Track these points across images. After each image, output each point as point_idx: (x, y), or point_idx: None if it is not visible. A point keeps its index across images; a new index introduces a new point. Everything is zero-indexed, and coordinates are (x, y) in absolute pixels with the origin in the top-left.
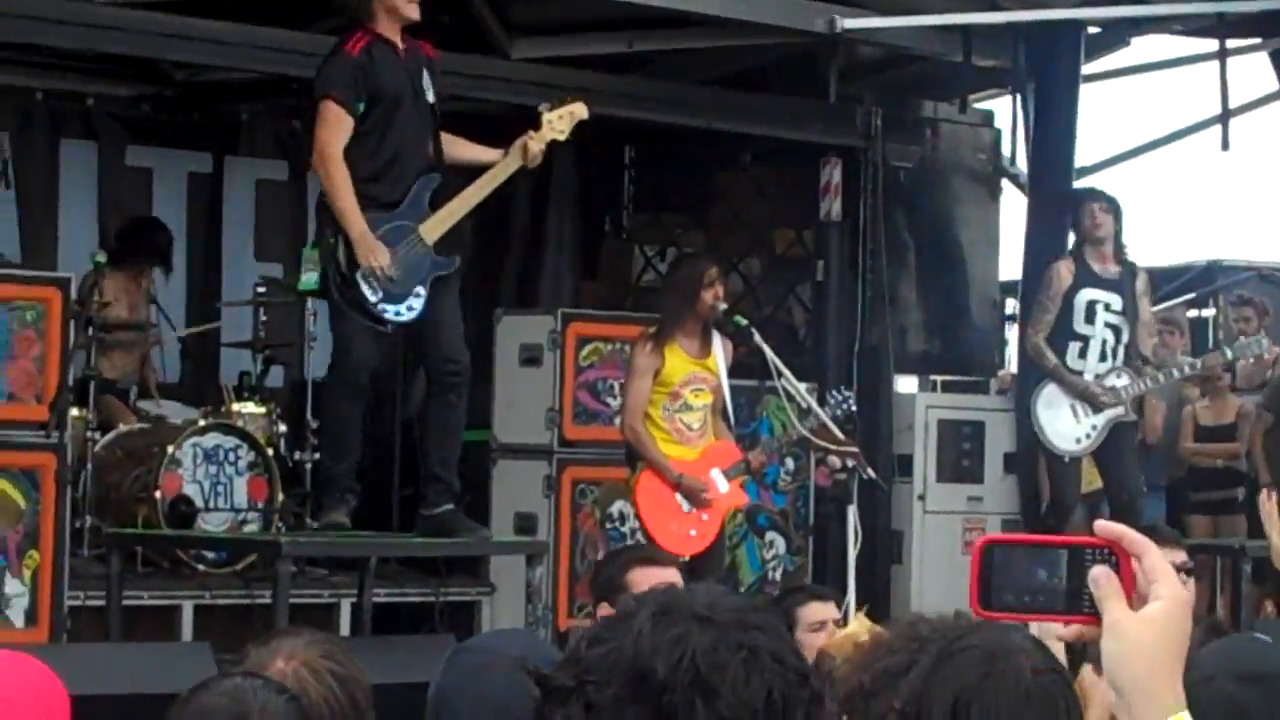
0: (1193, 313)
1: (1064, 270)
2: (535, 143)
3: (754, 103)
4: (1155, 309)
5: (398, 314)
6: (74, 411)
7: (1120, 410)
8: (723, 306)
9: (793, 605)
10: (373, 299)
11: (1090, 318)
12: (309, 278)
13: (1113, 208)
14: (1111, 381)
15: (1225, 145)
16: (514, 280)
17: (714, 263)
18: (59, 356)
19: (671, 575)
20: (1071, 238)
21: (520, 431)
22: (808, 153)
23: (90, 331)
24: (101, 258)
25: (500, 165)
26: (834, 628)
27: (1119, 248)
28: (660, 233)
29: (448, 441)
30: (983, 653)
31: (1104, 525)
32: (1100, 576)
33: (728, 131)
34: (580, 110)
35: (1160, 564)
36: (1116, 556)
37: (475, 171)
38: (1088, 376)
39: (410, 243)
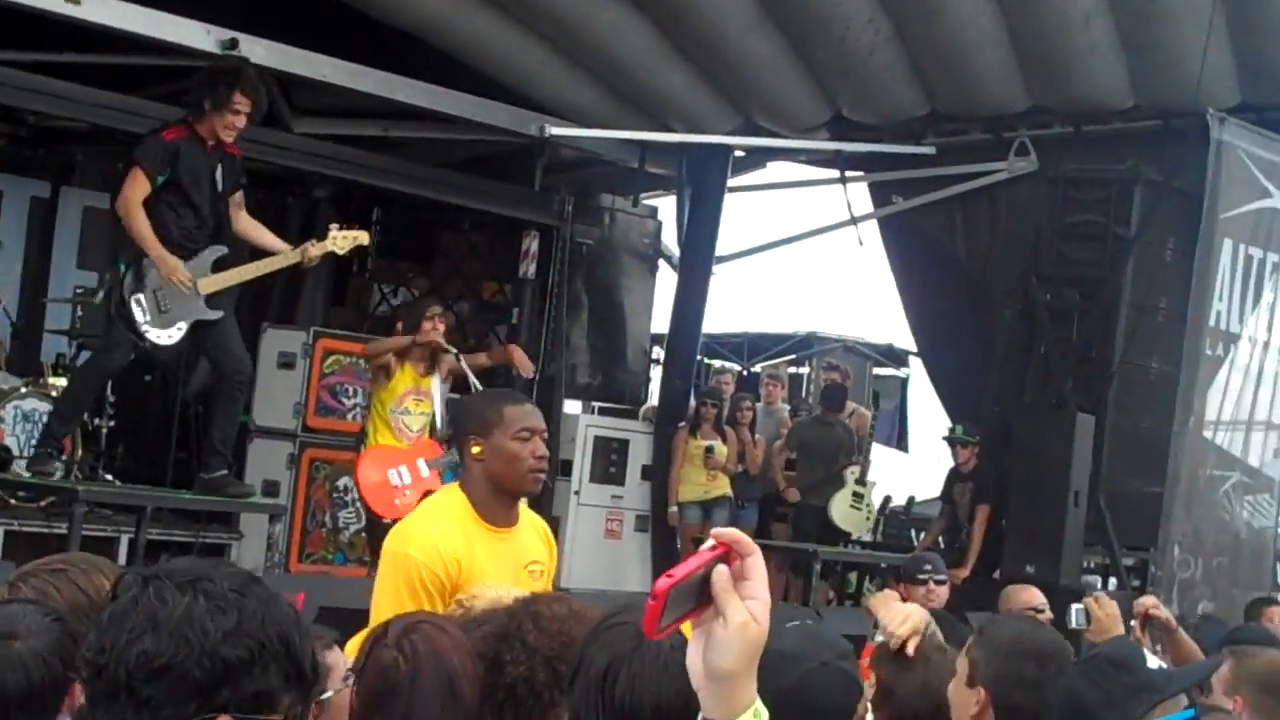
0: (793, 369)
1: None
2: (315, 249)
3: (476, 184)
4: (764, 364)
5: (158, 338)
6: None
7: None
8: (439, 337)
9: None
10: (140, 320)
11: None
12: (100, 295)
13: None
14: None
15: (860, 243)
16: (279, 302)
17: (437, 302)
18: None
19: (537, 414)
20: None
21: (273, 418)
22: (513, 225)
23: None
24: None
25: (281, 256)
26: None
27: None
28: (395, 275)
29: (229, 425)
30: (633, 629)
31: (719, 531)
32: (720, 575)
33: (454, 203)
34: (363, 238)
35: (759, 566)
36: (728, 556)
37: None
38: None
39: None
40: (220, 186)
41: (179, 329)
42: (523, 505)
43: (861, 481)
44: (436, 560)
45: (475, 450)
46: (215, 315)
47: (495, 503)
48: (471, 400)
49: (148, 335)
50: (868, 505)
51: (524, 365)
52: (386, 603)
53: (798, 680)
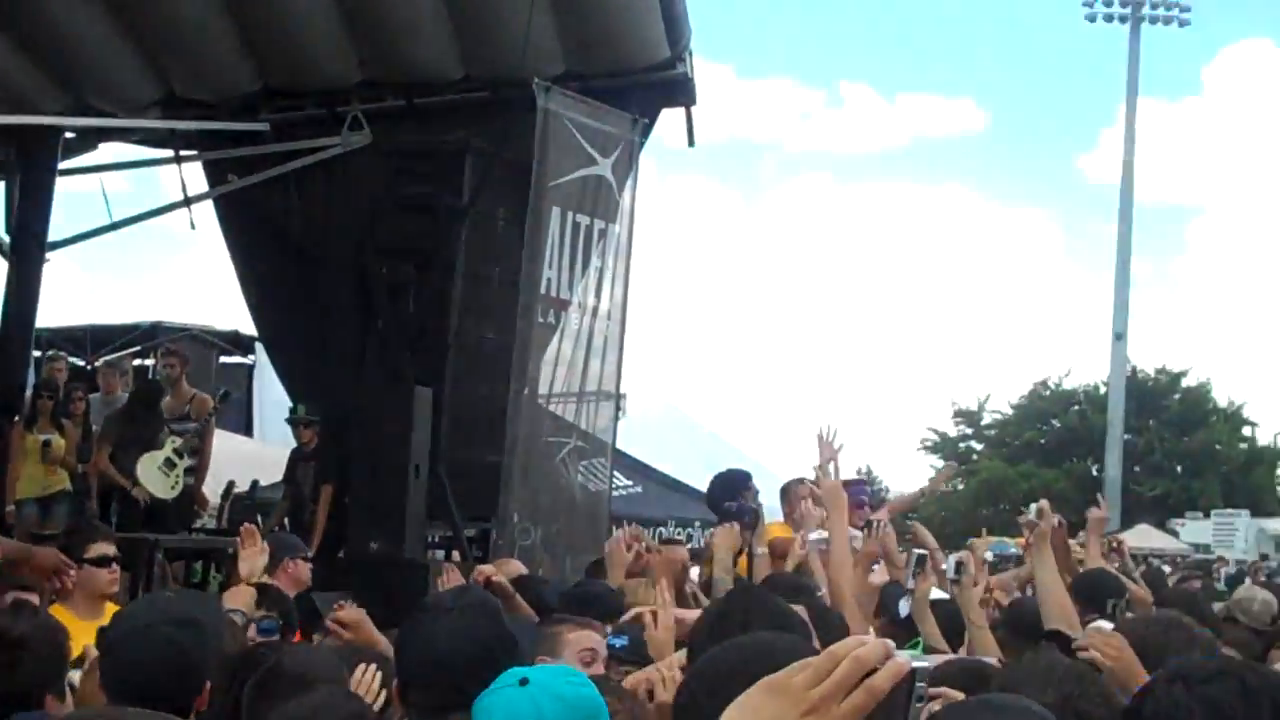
0: (138, 361)
1: None
2: None
3: None
4: (109, 358)
5: None
6: None
7: None
8: None
9: None
10: None
11: None
12: None
13: None
14: None
15: (193, 226)
16: None
17: None
18: None
19: None
20: None
21: None
22: None
23: None
24: None
25: None
26: None
27: None
28: None
29: None
30: None
31: None
32: None
33: None
34: None
35: None
36: None
37: None
38: None
39: None
40: None
41: None
42: None
43: (181, 455)
44: None
45: None
46: None
47: None
48: None
49: None
50: (177, 475)
51: None
52: None
53: None
